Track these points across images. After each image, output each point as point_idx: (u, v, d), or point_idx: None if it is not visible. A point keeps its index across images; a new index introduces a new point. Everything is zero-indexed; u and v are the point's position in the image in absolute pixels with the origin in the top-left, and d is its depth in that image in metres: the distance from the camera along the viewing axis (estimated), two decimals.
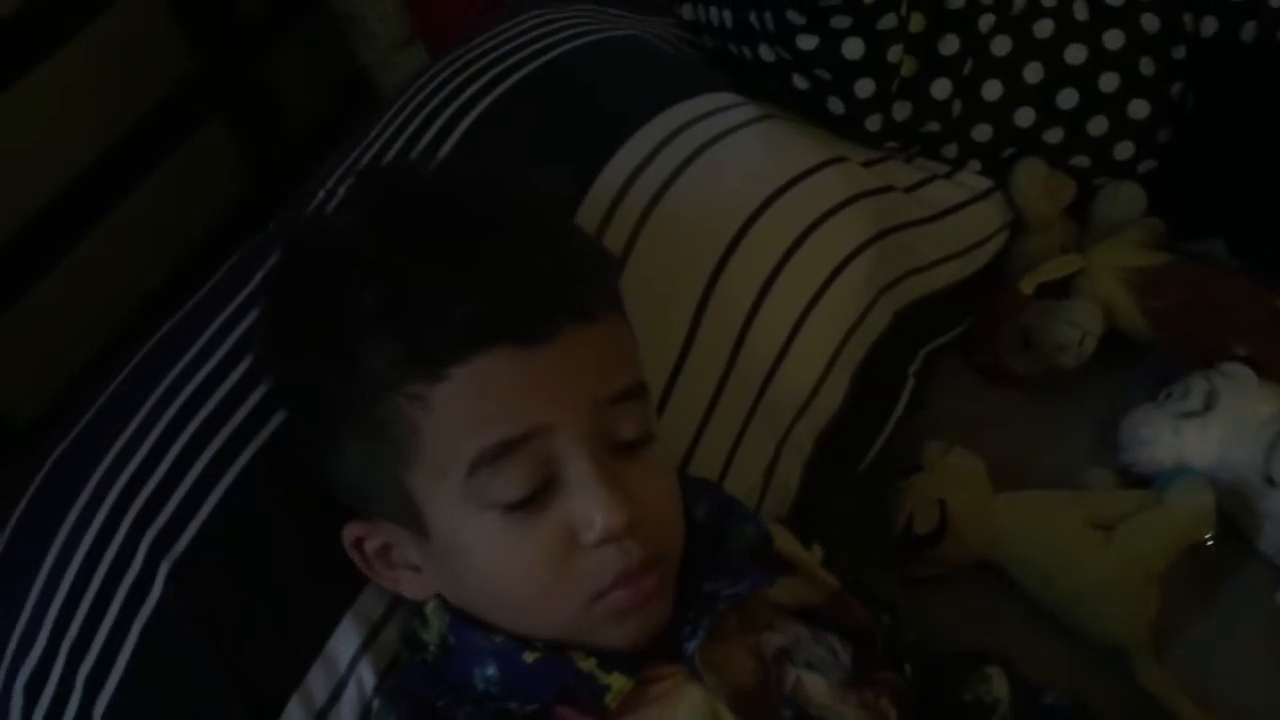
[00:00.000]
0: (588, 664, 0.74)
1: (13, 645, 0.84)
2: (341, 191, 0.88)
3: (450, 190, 0.78)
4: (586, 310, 0.74)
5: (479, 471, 0.71)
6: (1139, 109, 1.22)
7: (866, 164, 1.16)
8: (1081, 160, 1.24)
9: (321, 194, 1.03)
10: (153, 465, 0.85)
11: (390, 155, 1.04)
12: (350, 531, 0.79)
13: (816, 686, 0.77)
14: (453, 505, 0.73)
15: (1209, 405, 1.07)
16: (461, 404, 0.71)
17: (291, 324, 0.77)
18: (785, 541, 0.88)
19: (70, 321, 1.22)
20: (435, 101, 1.08)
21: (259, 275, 0.94)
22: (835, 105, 1.16)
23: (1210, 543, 1.05)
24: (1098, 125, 1.22)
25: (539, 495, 0.72)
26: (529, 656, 0.75)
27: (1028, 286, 1.20)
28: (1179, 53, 1.21)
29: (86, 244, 1.18)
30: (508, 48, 1.13)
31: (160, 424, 0.87)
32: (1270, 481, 1.03)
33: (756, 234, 1.03)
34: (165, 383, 0.89)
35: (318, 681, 0.81)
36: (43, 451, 0.94)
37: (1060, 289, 1.21)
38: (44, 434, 0.96)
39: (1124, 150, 1.23)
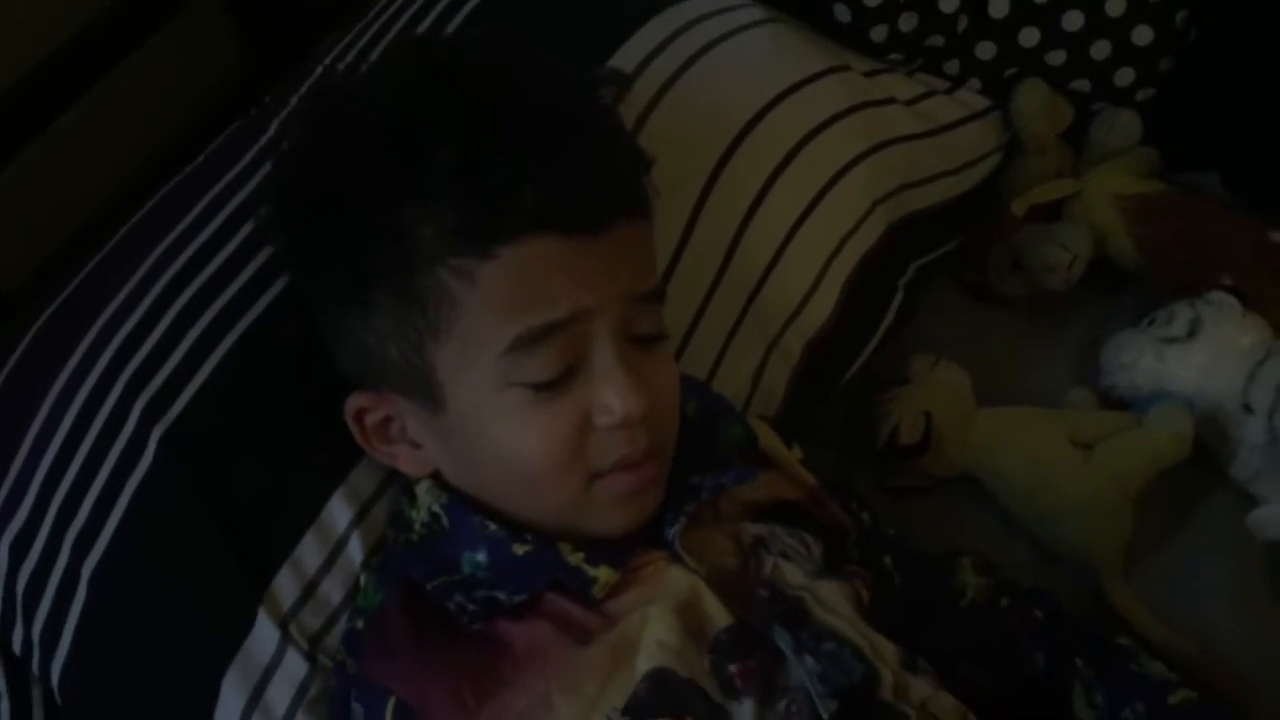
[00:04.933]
0: (575, 557, 0.75)
1: None
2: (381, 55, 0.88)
3: (523, 71, 0.76)
4: (636, 209, 0.76)
5: (516, 351, 0.72)
6: (1143, 35, 1.21)
7: (869, 74, 1.15)
8: (1082, 84, 1.24)
9: (319, 70, 1.01)
10: (147, 330, 0.84)
11: (393, 34, 1.02)
12: (354, 401, 0.78)
13: (793, 571, 0.79)
14: (478, 381, 0.73)
15: (1193, 332, 1.08)
16: (507, 283, 0.71)
17: (334, 179, 0.74)
18: (767, 438, 0.90)
19: (56, 192, 1.19)
20: None
21: (258, 145, 0.93)
22: (842, 13, 1.15)
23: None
24: (1100, 49, 1.22)
25: (562, 378, 0.73)
26: (519, 549, 0.76)
27: (1020, 208, 1.20)
28: None
29: (74, 113, 1.15)
30: None
31: (155, 288, 0.86)
32: (1248, 409, 1.04)
33: (757, 136, 1.03)
34: (161, 248, 0.88)
35: (310, 551, 0.81)
36: (30, 320, 0.92)
37: (1052, 212, 1.21)
38: (31, 304, 0.95)
39: (1124, 76, 1.23)
